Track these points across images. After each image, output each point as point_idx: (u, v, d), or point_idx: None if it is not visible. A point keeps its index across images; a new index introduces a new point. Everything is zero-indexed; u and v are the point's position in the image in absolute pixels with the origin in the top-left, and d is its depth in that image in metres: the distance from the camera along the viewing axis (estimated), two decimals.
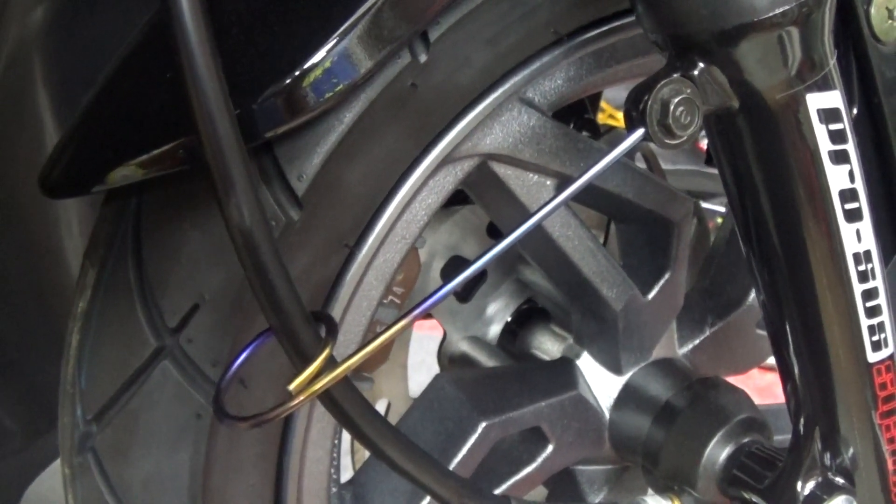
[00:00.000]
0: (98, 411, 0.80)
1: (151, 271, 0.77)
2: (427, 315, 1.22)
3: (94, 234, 0.82)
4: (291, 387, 0.62)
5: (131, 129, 0.73)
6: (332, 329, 0.66)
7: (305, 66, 0.69)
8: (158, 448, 0.78)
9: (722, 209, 2.09)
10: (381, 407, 1.28)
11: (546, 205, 0.71)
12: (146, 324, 0.77)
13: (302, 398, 0.62)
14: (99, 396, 0.79)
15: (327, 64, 0.69)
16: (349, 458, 1.33)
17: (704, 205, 1.43)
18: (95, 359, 0.80)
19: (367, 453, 1.05)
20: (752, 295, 1.10)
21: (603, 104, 2.02)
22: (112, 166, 0.72)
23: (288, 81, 0.69)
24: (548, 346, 1.17)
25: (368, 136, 0.75)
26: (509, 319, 1.24)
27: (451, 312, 1.22)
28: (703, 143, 2.66)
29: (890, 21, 0.77)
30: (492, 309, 1.23)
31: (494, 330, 1.23)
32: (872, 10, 0.76)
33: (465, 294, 1.22)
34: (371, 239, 0.80)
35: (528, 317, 1.23)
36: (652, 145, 0.77)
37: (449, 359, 1.23)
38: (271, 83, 0.68)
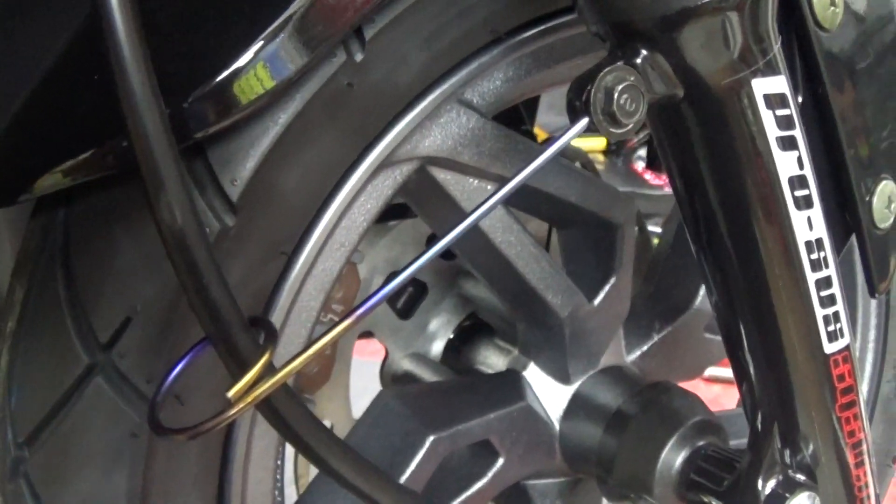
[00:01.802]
0: (30, 434, 0.75)
1: (81, 285, 0.73)
2: (368, 334, 1.20)
3: (22, 250, 0.78)
4: (230, 394, 0.59)
5: (57, 136, 0.70)
6: (272, 334, 0.63)
7: (235, 66, 0.66)
8: (93, 470, 0.74)
9: (658, 230, 2.09)
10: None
11: (485, 202, 0.69)
12: (77, 340, 0.73)
13: (241, 406, 0.59)
14: (30, 419, 0.75)
15: (257, 63, 0.66)
16: (293, 488, 1.30)
17: None
18: (26, 379, 0.76)
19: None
20: (699, 299, 1.09)
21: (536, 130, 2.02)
22: (38, 174, 0.69)
23: (217, 80, 0.66)
24: (493, 360, 1.15)
25: (304, 138, 0.73)
26: (452, 336, 1.22)
27: (393, 330, 1.19)
28: (637, 165, 2.67)
29: (832, 8, 0.76)
30: (434, 325, 1.21)
31: (438, 346, 1.20)
32: None
33: (406, 310, 1.19)
34: (309, 246, 0.77)
35: (471, 332, 1.21)
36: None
37: (392, 377, 1.20)
38: (201, 82, 0.66)
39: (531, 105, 1.25)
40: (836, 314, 0.78)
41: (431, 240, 1.19)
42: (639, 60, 0.68)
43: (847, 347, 0.80)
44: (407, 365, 1.20)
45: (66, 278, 0.74)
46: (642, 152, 2.45)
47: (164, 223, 0.58)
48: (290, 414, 0.65)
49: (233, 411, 0.60)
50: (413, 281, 1.20)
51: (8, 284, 0.80)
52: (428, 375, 1.18)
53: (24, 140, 0.72)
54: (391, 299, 1.21)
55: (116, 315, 0.73)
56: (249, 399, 0.59)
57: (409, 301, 1.20)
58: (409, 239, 1.18)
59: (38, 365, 0.76)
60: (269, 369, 0.62)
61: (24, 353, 0.77)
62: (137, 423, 0.73)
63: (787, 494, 0.82)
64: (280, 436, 0.68)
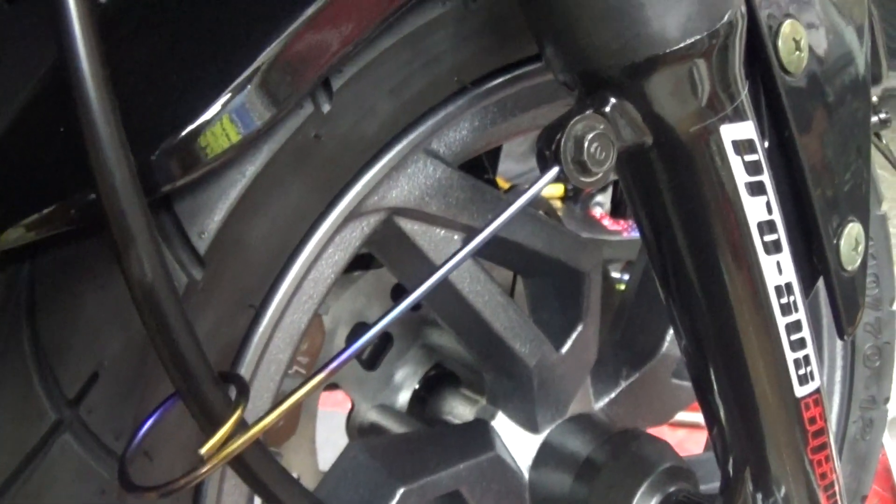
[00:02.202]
0: None
1: (47, 339, 0.72)
2: (333, 386, 1.19)
3: None
4: (203, 450, 0.58)
5: (21, 189, 0.69)
6: (244, 389, 0.62)
7: (201, 119, 0.65)
8: None
9: (619, 275, 2.10)
10: None
11: (455, 255, 0.68)
12: (44, 395, 0.71)
13: (214, 462, 0.58)
14: None
15: (223, 116, 0.66)
16: None
17: None
18: None
19: None
20: (666, 344, 1.09)
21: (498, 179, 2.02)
22: (1, 228, 0.68)
23: (184, 134, 0.65)
24: (459, 410, 1.15)
25: (272, 190, 0.72)
26: (417, 386, 1.22)
27: (359, 381, 1.18)
28: (595, 211, 2.68)
29: (797, 52, 0.77)
30: (400, 375, 1.20)
31: (404, 397, 1.20)
32: (780, 42, 0.76)
33: (371, 361, 1.18)
34: (277, 299, 0.76)
35: (436, 382, 1.20)
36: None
37: (358, 429, 1.19)
38: (168, 135, 0.65)
39: (493, 155, 1.25)
40: (806, 357, 0.78)
41: (396, 290, 1.19)
42: (608, 109, 0.69)
43: (818, 390, 0.80)
44: (373, 416, 1.18)
45: (32, 333, 0.73)
46: (600, 198, 2.47)
47: (134, 277, 0.57)
48: (262, 470, 0.64)
49: (205, 468, 0.58)
50: None
51: None
52: (395, 426, 1.17)
53: None
54: None
55: (83, 370, 0.71)
56: (222, 456, 0.58)
57: (374, 352, 1.19)
58: (373, 290, 1.18)
59: (3, 421, 0.75)
60: (241, 425, 0.60)
61: None
62: (106, 479, 0.71)
63: None
64: (252, 491, 0.67)
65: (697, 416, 2.03)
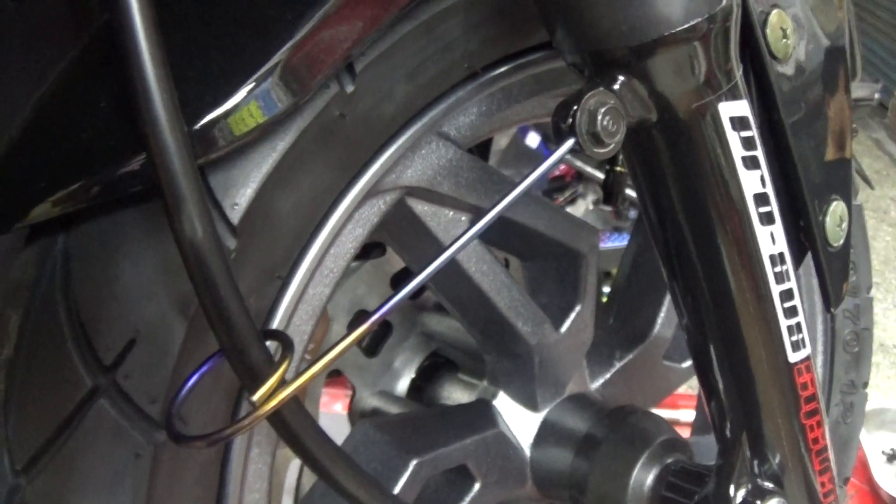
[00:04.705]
0: (28, 461, 0.76)
1: (83, 309, 0.75)
2: (336, 373, 1.22)
3: (14, 279, 0.79)
4: (255, 397, 0.61)
5: (53, 164, 0.72)
6: (289, 346, 0.65)
7: (230, 102, 0.69)
8: (96, 493, 0.75)
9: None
10: (294, 469, 1.26)
11: (464, 234, 0.72)
12: (80, 363, 0.74)
13: (266, 409, 0.62)
14: (29, 445, 0.76)
15: (250, 101, 0.70)
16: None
17: None
18: (24, 406, 0.77)
19: None
20: (657, 328, 1.13)
21: None
22: (34, 203, 0.71)
23: (215, 114, 0.69)
24: (457, 395, 1.18)
25: (299, 165, 0.76)
26: (414, 376, 1.25)
27: (360, 368, 1.22)
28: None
29: (785, 40, 0.82)
30: (399, 362, 1.23)
31: (403, 383, 1.23)
32: (768, 31, 0.81)
33: (372, 348, 1.22)
34: (302, 271, 0.80)
35: (433, 371, 1.23)
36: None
37: (360, 415, 1.22)
38: (205, 110, 0.69)
39: (484, 148, 1.30)
40: (798, 325, 0.83)
41: (395, 279, 1.22)
42: (617, 86, 0.73)
43: (808, 357, 0.85)
44: (375, 402, 1.22)
45: (67, 304, 0.76)
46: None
47: (184, 237, 0.60)
48: (298, 426, 0.67)
49: (250, 418, 0.62)
50: None
51: None
52: (396, 411, 1.21)
53: (20, 168, 0.73)
54: None
55: (120, 337, 0.74)
56: (273, 403, 0.62)
57: (374, 339, 1.23)
58: (372, 279, 1.21)
59: (37, 391, 0.77)
60: (281, 382, 0.64)
61: (21, 381, 0.78)
62: (141, 443, 0.74)
63: (757, 502, 0.86)
64: (291, 449, 0.70)
65: (678, 414, 2.07)
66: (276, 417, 0.66)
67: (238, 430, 0.63)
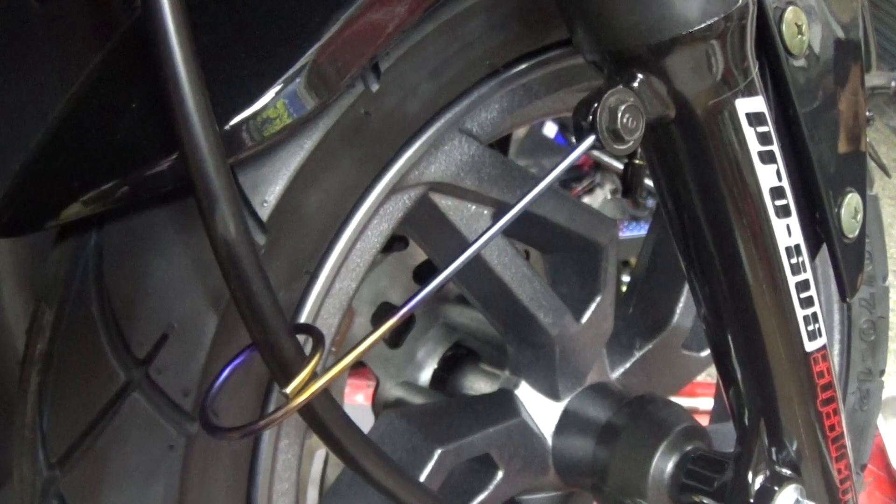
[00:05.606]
0: (63, 454, 0.78)
1: (117, 305, 0.77)
2: (360, 364, 1.24)
3: (48, 275, 0.81)
4: (289, 389, 0.63)
5: (84, 165, 0.74)
6: (320, 339, 0.67)
7: (259, 103, 0.71)
8: (130, 485, 0.77)
9: None
10: (319, 459, 1.28)
11: (488, 230, 0.74)
12: (113, 358, 0.76)
13: (300, 400, 0.64)
14: (64, 438, 0.78)
15: (277, 101, 0.72)
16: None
17: None
18: (58, 400, 0.79)
19: None
20: (676, 317, 1.15)
21: None
22: (65, 203, 0.73)
23: (244, 115, 0.71)
24: (480, 385, 1.20)
25: (326, 162, 0.78)
26: (437, 367, 1.27)
27: (383, 359, 1.24)
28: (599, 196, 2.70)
29: (800, 36, 0.84)
30: (422, 354, 1.25)
31: (426, 374, 1.25)
32: (783, 27, 0.83)
33: (395, 340, 1.24)
34: (328, 266, 0.82)
35: (455, 362, 1.25)
36: None
37: (384, 405, 1.24)
38: (237, 110, 0.71)
39: (504, 142, 1.32)
40: (814, 314, 0.85)
41: (418, 272, 1.24)
42: (636, 84, 0.75)
43: (824, 346, 0.87)
44: (398, 392, 1.24)
45: (101, 299, 0.78)
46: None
47: (217, 234, 0.62)
48: (329, 418, 0.70)
49: (291, 405, 0.64)
50: None
51: (33, 309, 0.83)
52: (419, 402, 1.23)
53: (52, 168, 0.75)
54: None
55: (153, 332, 0.76)
56: (306, 395, 0.64)
57: (397, 331, 1.25)
58: (395, 271, 1.24)
59: (71, 385, 0.79)
60: (312, 375, 0.66)
61: (55, 375, 0.80)
62: (174, 435, 0.77)
63: (775, 488, 0.88)
64: (321, 440, 0.72)
65: (697, 402, 2.08)
66: (307, 409, 0.68)
67: (271, 422, 0.65)
